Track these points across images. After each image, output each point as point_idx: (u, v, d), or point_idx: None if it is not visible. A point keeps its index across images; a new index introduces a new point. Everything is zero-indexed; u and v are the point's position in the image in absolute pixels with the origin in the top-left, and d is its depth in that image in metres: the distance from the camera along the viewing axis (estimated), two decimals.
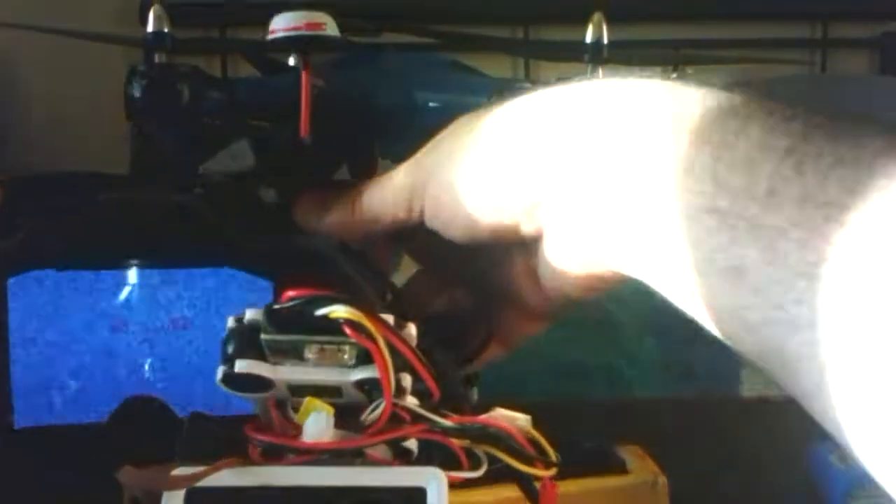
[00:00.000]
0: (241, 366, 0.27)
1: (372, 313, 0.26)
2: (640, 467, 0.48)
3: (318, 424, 0.27)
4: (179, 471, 0.26)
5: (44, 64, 0.93)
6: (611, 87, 0.31)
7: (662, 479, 0.47)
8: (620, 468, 0.47)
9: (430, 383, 0.27)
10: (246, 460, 0.27)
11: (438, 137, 0.35)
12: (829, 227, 0.22)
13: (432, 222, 0.35)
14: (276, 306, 0.27)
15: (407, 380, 0.26)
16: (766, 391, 1.08)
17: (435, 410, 0.27)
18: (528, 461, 0.27)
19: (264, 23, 0.49)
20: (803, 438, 0.56)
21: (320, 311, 0.27)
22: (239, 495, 0.26)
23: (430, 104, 0.64)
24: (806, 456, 0.55)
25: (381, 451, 0.27)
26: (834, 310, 0.22)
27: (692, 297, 0.27)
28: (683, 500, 0.50)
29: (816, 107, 0.25)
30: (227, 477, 0.26)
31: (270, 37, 0.46)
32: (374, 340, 0.26)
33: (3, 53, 0.93)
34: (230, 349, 0.27)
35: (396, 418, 0.27)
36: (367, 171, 0.70)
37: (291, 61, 0.67)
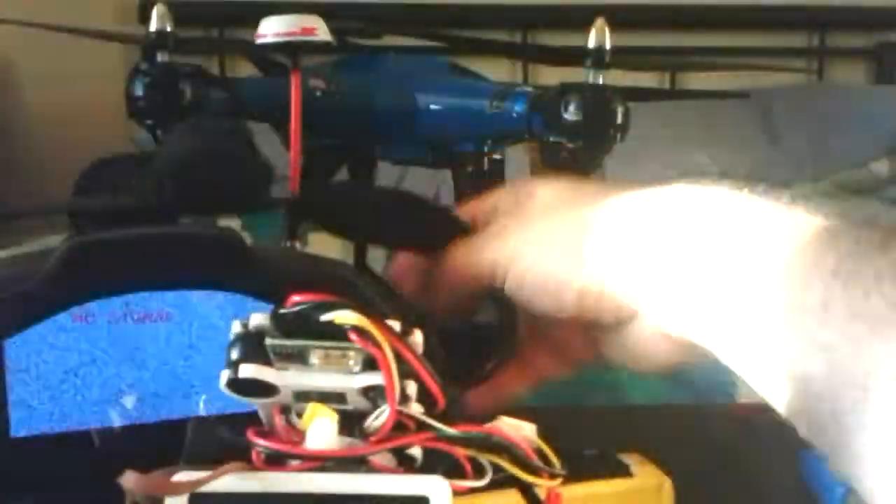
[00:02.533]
0: (245, 370, 0.26)
1: (378, 319, 0.26)
2: (644, 472, 0.48)
3: (321, 431, 0.26)
4: (182, 475, 0.26)
5: (43, 63, 0.93)
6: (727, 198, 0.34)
7: (668, 483, 0.48)
8: (624, 472, 0.47)
9: (436, 391, 0.27)
10: (249, 466, 0.26)
11: (528, 215, 0.40)
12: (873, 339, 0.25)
13: (514, 292, 0.39)
14: (282, 311, 0.27)
15: (412, 387, 0.26)
16: (762, 398, 1.08)
17: (440, 418, 0.27)
18: (533, 471, 0.27)
19: None
20: (800, 445, 0.56)
21: (326, 317, 0.26)
22: (241, 501, 0.26)
23: (430, 107, 0.64)
24: (802, 463, 0.55)
25: (384, 459, 0.26)
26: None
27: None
28: None
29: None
30: (230, 482, 0.26)
31: (259, 41, 0.45)
32: (379, 347, 0.26)
33: (2, 53, 0.93)
34: (235, 354, 0.27)
35: (401, 426, 0.26)
36: (366, 172, 0.70)
37: None
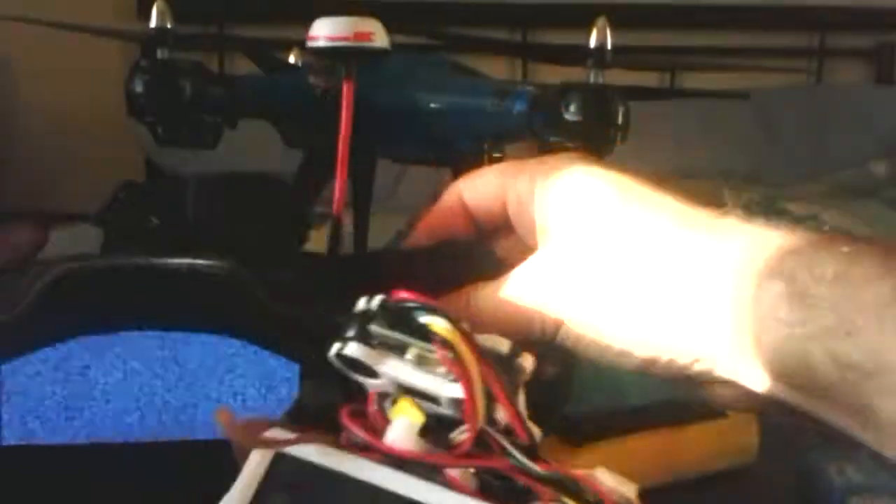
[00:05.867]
0: (350, 348, 0.27)
1: (469, 337, 0.25)
2: (734, 414, 0.59)
3: (401, 429, 0.26)
4: (273, 432, 0.26)
5: (43, 60, 0.93)
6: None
7: (754, 420, 0.59)
8: (721, 414, 0.58)
9: (517, 427, 0.26)
10: (334, 441, 0.26)
11: (562, 262, 0.35)
12: None
13: (569, 344, 0.35)
14: (389, 303, 0.27)
15: (502, 413, 0.26)
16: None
17: (530, 452, 0.26)
18: None
19: (263, 20, 0.48)
20: (800, 449, 0.56)
21: (423, 319, 0.26)
22: (317, 473, 0.26)
23: (431, 105, 0.64)
24: (802, 466, 0.55)
25: (464, 478, 0.25)
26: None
27: None
28: None
29: None
30: (314, 452, 0.26)
31: (310, 43, 0.43)
32: (461, 365, 0.25)
33: (1, 50, 0.93)
34: (349, 331, 0.27)
35: (486, 447, 0.26)
36: (366, 171, 0.70)
37: (292, 59, 0.67)
